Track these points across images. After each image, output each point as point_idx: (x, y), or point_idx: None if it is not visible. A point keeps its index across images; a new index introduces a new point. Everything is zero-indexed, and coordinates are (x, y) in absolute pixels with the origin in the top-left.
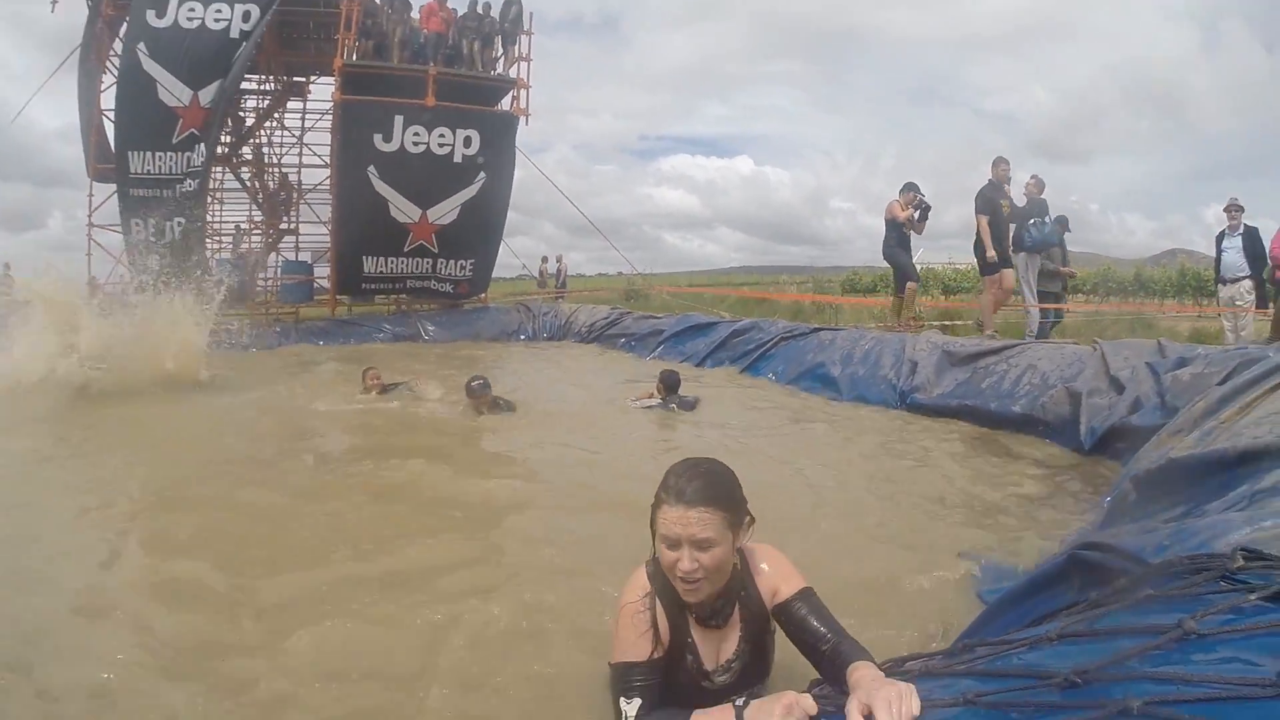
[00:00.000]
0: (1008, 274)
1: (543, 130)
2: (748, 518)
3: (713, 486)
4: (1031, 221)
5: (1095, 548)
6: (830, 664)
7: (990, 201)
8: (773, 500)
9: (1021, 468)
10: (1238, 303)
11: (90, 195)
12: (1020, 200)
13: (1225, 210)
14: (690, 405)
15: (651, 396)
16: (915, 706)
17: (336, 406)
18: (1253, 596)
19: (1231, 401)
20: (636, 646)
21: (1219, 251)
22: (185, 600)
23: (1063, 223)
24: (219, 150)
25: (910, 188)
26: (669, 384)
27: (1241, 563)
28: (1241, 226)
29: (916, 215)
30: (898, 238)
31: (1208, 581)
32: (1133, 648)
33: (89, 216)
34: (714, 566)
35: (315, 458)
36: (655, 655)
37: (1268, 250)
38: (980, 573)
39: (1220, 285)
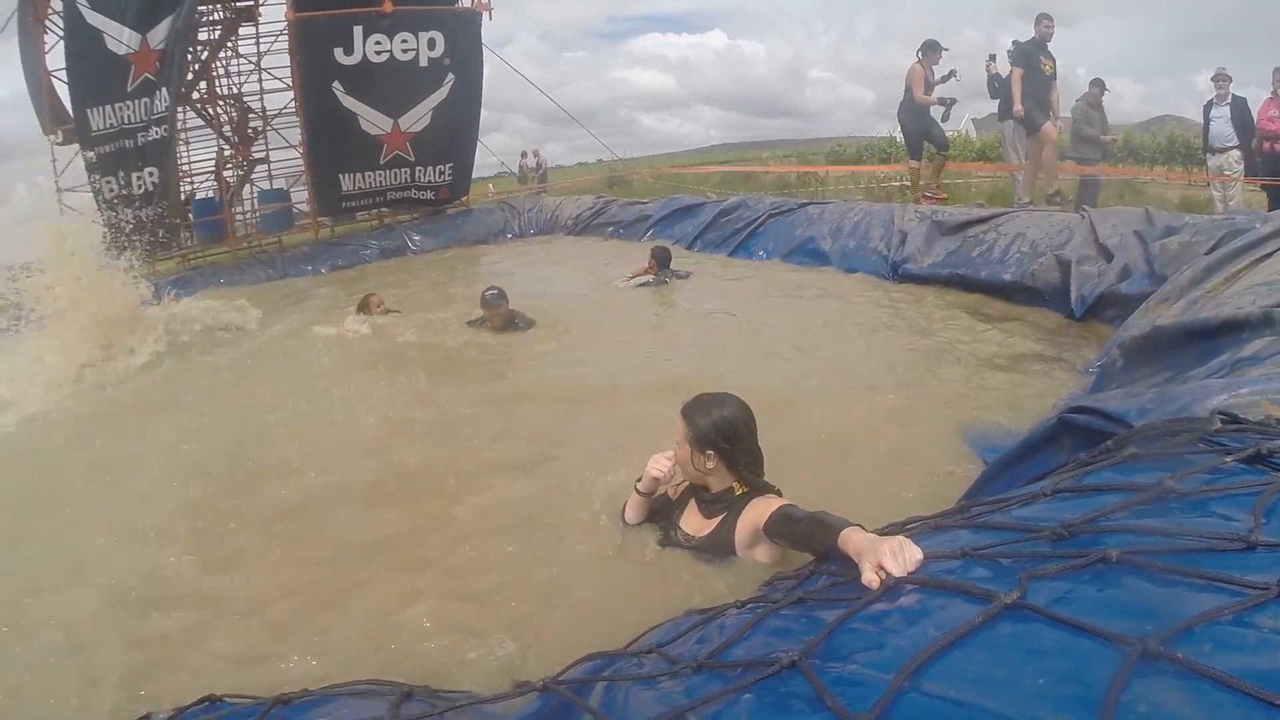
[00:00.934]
0: (1048, 129)
1: (504, 21)
2: (709, 449)
3: (689, 410)
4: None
5: (1083, 411)
6: (820, 539)
7: (1029, 57)
8: (774, 376)
9: (1014, 333)
10: (1226, 172)
11: (54, 160)
12: (1005, 68)
13: (1213, 80)
14: (684, 276)
15: (646, 273)
16: (916, 552)
17: (346, 334)
18: (1229, 458)
19: (1217, 271)
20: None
21: (1207, 121)
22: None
23: (1099, 85)
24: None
25: (931, 48)
26: (660, 259)
27: (1219, 425)
28: (1229, 96)
29: (944, 111)
30: (909, 101)
31: (1188, 443)
32: (1115, 503)
33: (56, 181)
34: (680, 460)
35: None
36: (665, 492)
37: (1255, 120)
38: (979, 436)
39: (1209, 155)
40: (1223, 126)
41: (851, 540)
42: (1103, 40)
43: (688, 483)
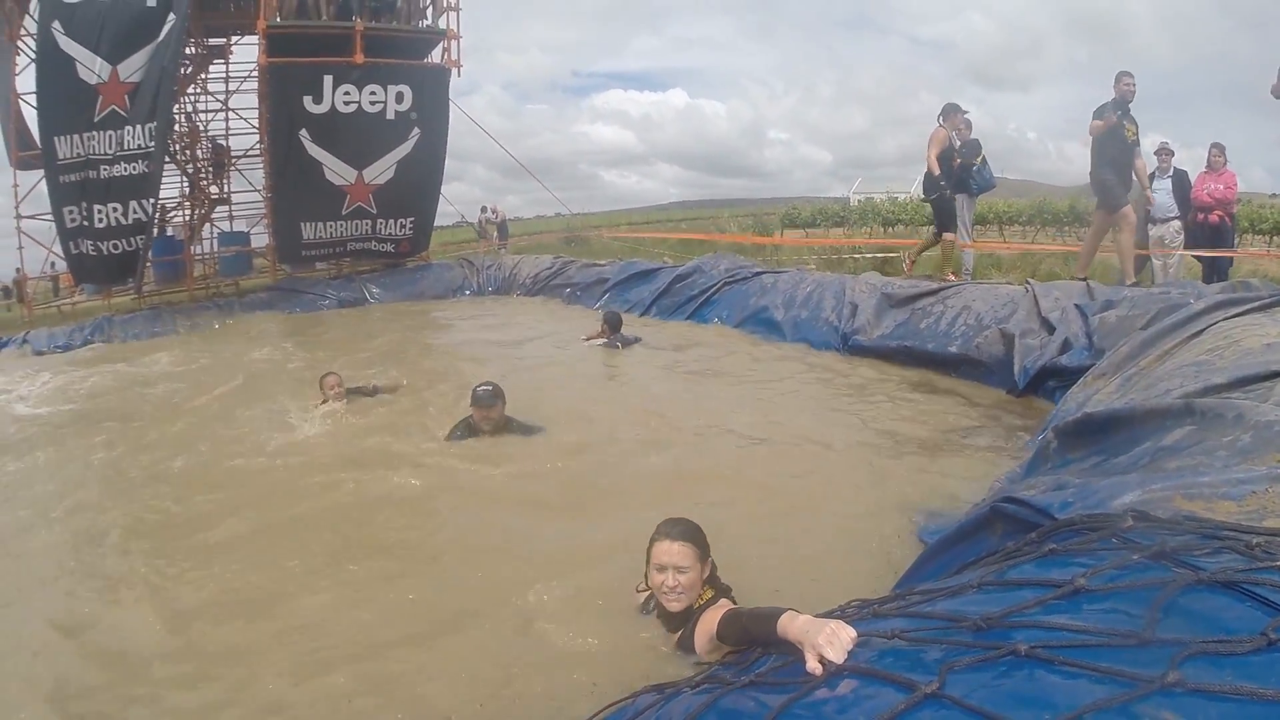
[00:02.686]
0: (1128, 213)
1: (470, 71)
2: (709, 557)
3: (690, 533)
4: (975, 167)
5: (1013, 501)
6: (763, 632)
7: (1112, 127)
8: (719, 451)
9: (958, 408)
10: (1167, 243)
11: (15, 185)
12: (957, 143)
13: (1155, 154)
14: (631, 342)
15: (600, 336)
16: (850, 632)
17: (289, 434)
18: (1135, 556)
19: (1152, 347)
20: None
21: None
22: None
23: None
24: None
25: (952, 110)
26: (612, 324)
27: (1130, 523)
28: (1171, 169)
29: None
30: (941, 174)
31: (1101, 539)
32: (1031, 599)
33: (16, 207)
34: (689, 585)
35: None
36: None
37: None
38: (920, 518)
39: (1150, 225)
40: (1164, 198)
41: (790, 628)
42: (1053, 106)
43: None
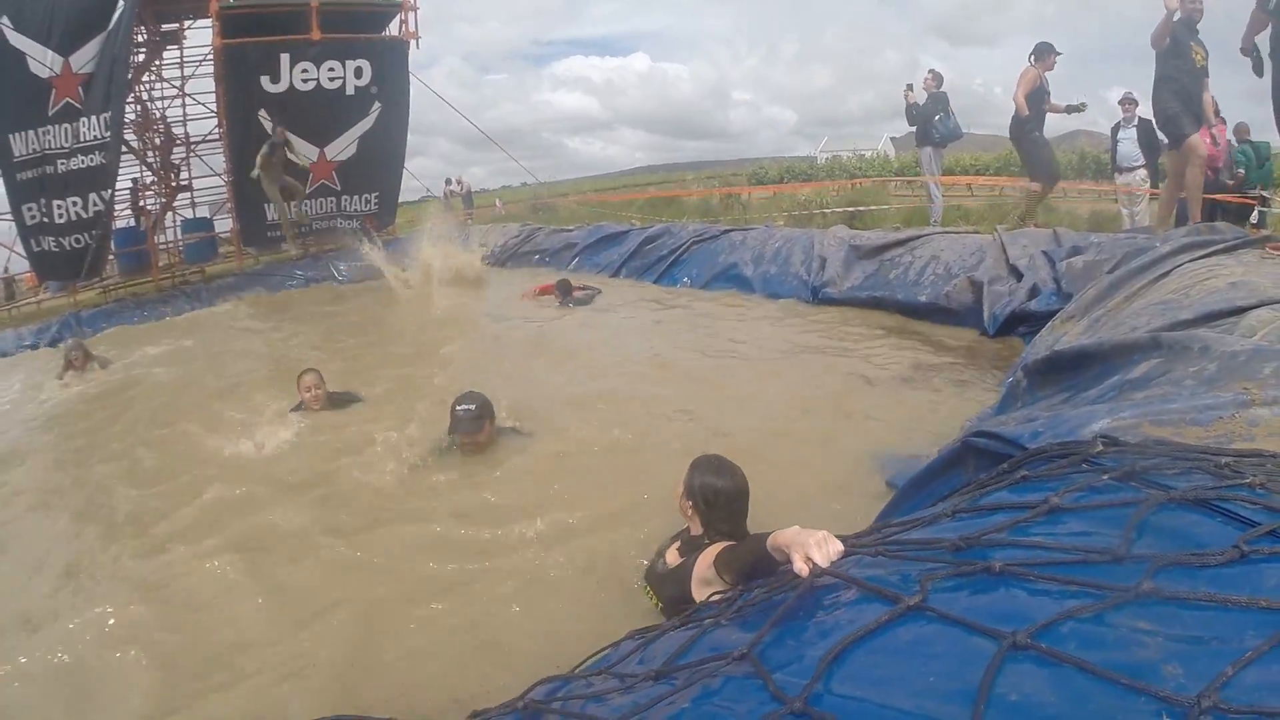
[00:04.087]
0: (1195, 142)
1: (428, 44)
2: (689, 500)
3: (694, 466)
4: (937, 117)
5: (984, 435)
6: (755, 548)
7: (1177, 44)
8: (696, 399)
9: (929, 353)
10: (1133, 189)
11: None
12: (921, 97)
13: (1120, 103)
14: (587, 301)
15: (548, 293)
16: (838, 545)
17: (257, 450)
18: (1105, 476)
19: (1119, 289)
20: None
21: (1114, 142)
22: None
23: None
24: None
25: (1044, 51)
26: (563, 290)
27: (1100, 448)
28: (1135, 118)
29: (1066, 110)
30: (1030, 116)
31: (1072, 464)
32: (1005, 521)
33: None
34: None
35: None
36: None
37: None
38: (889, 463)
39: (1116, 174)
40: (1130, 147)
41: (781, 536)
42: (1019, 60)
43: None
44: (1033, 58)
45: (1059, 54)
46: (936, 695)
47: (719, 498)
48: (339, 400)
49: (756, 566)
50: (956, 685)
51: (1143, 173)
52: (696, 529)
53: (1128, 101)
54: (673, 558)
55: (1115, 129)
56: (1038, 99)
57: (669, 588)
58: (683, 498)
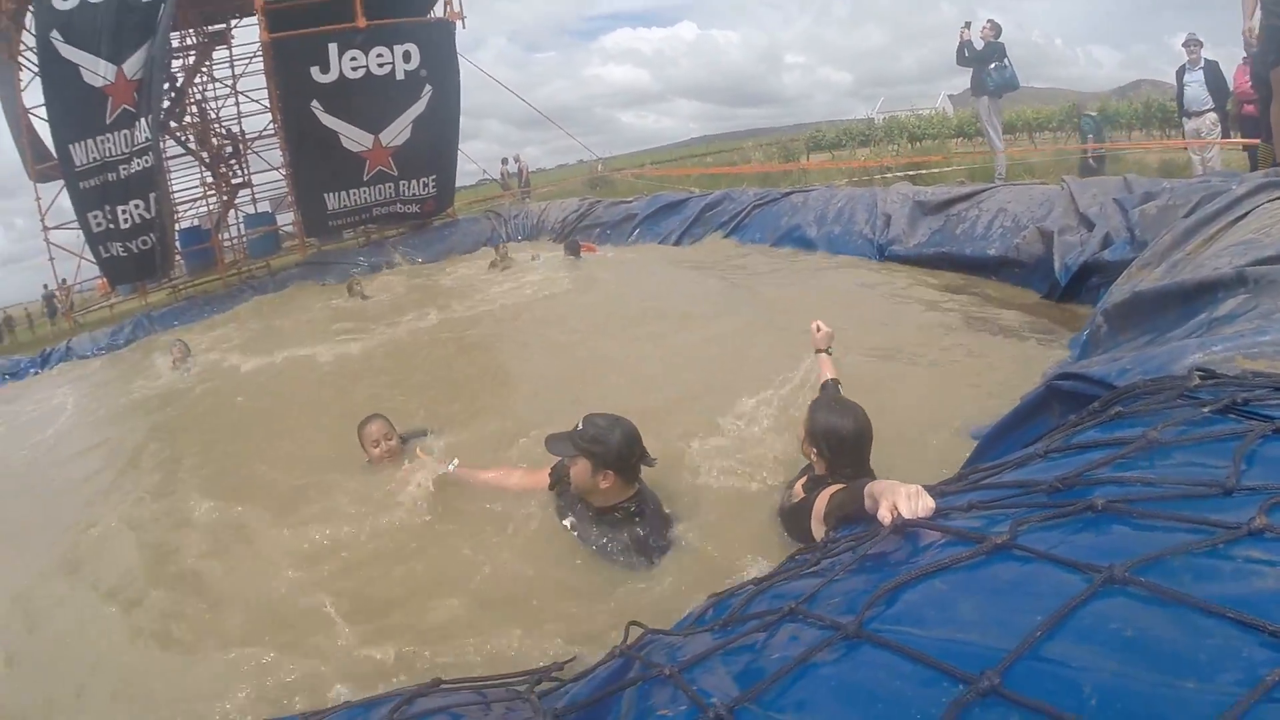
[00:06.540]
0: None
1: (473, 25)
2: (813, 446)
3: (814, 408)
4: (993, 65)
5: (1069, 377)
6: (854, 496)
7: None
8: (765, 355)
9: (1000, 309)
10: (1203, 134)
11: (38, 199)
12: (979, 44)
13: (1184, 45)
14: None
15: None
16: (930, 501)
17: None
18: (1205, 409)
19: (1196, 234)
20: None
21: (1181, 86)
22: None
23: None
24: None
25: None
26: (571, 248)
27: (1198, 381)
28: (1202, 61)
29: None
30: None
31: (1168, 399)
32: (1102, 457)
33: (42, 220)
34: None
35: None
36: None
37: (1230, 82)
38: (972, 416)
39: (1185, 119)
40: (1197, 90)
41: (876, 485)
42: (1078, 10)
43: None
44: None
45: None
46: (1004, 629)
47: (843, 441)
48: (411, 443)
49: (858, 513)
50: (1033, 620)
51: (1213, 116)
52: (821, 469)
53: (1193, 43)
54: (798, 492)
55: (1180, 72)
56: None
57: (792, 523)
58: (805, 441)
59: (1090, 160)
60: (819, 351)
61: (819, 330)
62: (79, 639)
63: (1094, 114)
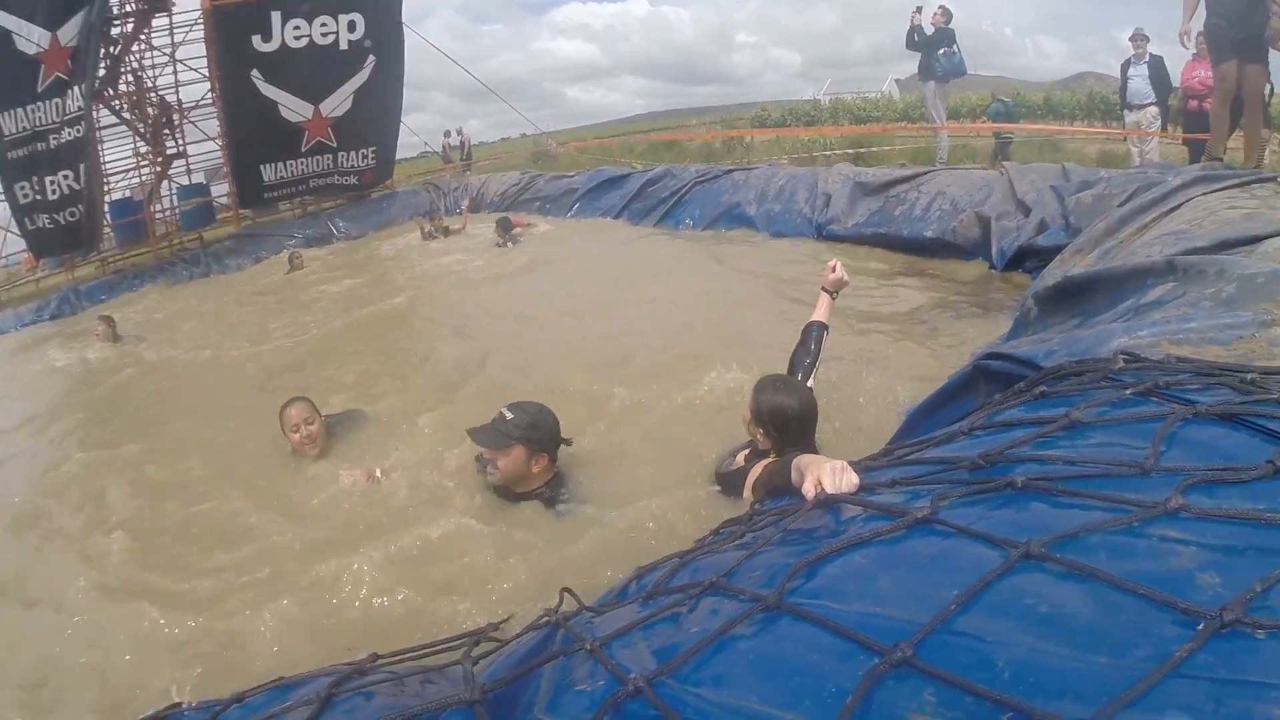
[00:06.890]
0: (1227, 69)
1: None
2: (759, 428)
3: (759, 389)
4: (942, 51)
5: (996, 357)
6: (784, 470)
7: None
8: (698, 340)
9: (934, 288)
10: (1143, 127)
11: None
12: (929, 29)
13: (1131, 40)
14: (518, 240)
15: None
16: (854, 478)
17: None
18: (1128, 391)
19: (1130, 222)
20: None
21: (1125, 79)
22: None
23: None
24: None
25: None
26: (504, 226)
27: (1122, 364)
28: (1147, 55)
29: None
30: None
31: (1092, 381)
32: (1025, 435)
33: None
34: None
35: None
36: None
37: (1175, 78)
38: (902, 395)
39: (1126, 111)
40: (1141, 84)
41: (802, 460)
42: (1028, 2)
43: None
44: None
45: None
46: (921, 602)
47: (789, 420)
48: (338, 428)
49: (785, 487)
50: (949, 594)
51: (1154, 110)
52: (766, 447)
53: (1139, 38)
54: (739, 461)
55: (1125, 66)
56: None
57: (728, 488)
58: (751, 422)
59: (997, 144)
60: (824, 290)
61: (834, 270)
62: None
63: (1007, 99)
